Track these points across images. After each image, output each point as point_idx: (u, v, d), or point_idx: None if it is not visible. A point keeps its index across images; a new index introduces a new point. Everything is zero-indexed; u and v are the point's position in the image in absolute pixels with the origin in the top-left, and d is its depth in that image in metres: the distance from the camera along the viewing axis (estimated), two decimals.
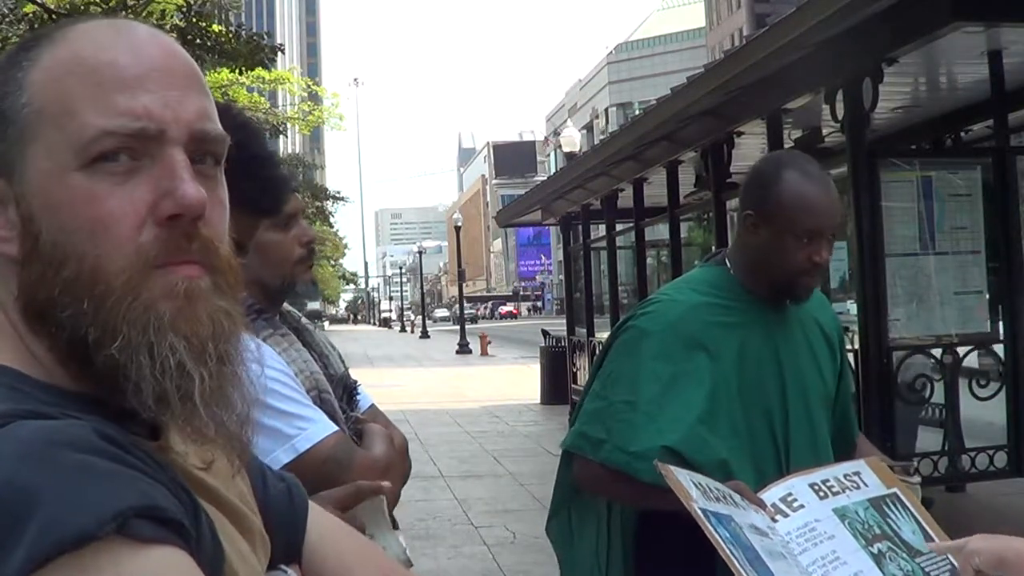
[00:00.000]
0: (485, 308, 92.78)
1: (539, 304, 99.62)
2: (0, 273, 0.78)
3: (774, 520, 1.88)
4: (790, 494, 1.93)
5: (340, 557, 0.99)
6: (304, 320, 2.04)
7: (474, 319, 74.53)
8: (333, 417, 1.80)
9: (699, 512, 1.74)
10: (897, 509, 1.98)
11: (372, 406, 2.04)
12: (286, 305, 2.00)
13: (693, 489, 1.80)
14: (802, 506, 1.91)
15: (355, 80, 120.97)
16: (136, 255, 0.74)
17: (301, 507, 0.99)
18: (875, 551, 1.87)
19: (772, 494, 1.93)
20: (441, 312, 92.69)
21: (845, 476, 2.00)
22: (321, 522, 1.00)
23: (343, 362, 2.07)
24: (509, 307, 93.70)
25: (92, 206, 0.74)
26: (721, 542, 1.70)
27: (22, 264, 0.76)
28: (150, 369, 0.73)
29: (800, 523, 1.88)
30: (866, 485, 2.00)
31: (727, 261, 2.20)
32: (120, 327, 0.73)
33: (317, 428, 1.68)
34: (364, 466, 1.75)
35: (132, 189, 0.75)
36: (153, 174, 0.76)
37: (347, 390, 2.01)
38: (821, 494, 1.94)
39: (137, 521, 0.64)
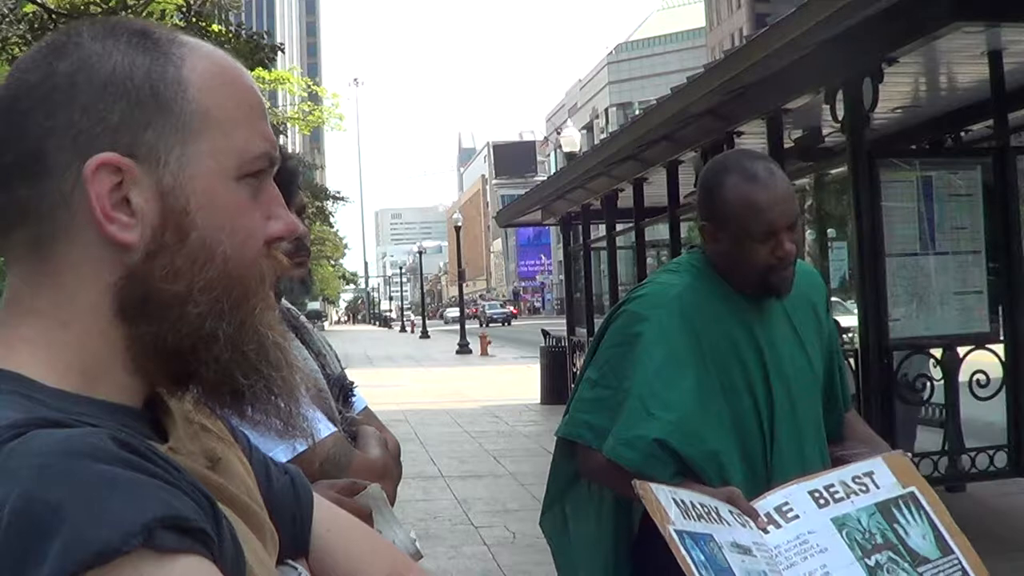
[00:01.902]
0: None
1: (536, 305, 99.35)
2: (86, 258, 0.75)
3: (765, 531, 1.84)
4: (786, 503, 1.89)
5: (348, 550, 0.98)
6: (303, 319, 2.04)
7: (507, 319, 66.45)
8: (329, 417, 1.80)
9: (673, 535, 1.70)
10: (910, 511, 1.91)
11: (366, 408, 2.04)
12: (286, 303, 1.99)
13: (672, 508, 1.76)
14: (797, 516, 1.87)
15: (355, 80, 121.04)
16: (260, 269, 0.81)
17: (306, 500, 0.98)
18: (872, 563, 1.81)
19: (768, 502, 1.89)
20: (454, 312, 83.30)
21: (854, 479, 1.94)
22: (327, 515, 0.99)
23: (339, 362, 2.07)
24: (509, 307, 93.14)
25: (245, 215, 0.80)
26: (692, 566, 1.66)
27: (147, 253, 0.75)
28: (266, 369, 0.80)
29: (792, 535, 1.84)
30: (877, 487, 1.94)
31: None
32: (255, 329, 0.79)
33: (316, 428, 1.67)
34: (361, 468, 1.75)
35: (258, 208, 0.81)
36: (263, 198, 0.82)
37: (343, 391, 2.00)
38: (821, 502, 1.89)
39: (162, 532, 0.63)
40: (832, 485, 1.93)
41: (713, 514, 1.81)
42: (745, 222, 2.04)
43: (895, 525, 1.89)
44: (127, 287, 0.75)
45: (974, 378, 5.84)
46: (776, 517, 1.87)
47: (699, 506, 1.81)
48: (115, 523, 0.61)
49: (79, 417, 0.69)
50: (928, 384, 5.78)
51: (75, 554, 0.60)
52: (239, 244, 0.79)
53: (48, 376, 0.73)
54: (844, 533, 1.85)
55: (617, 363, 2.10)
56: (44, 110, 0.75)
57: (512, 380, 18.70)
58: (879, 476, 1.96)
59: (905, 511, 1.92)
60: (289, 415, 0.83)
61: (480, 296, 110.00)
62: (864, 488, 1.93)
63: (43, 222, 0.75)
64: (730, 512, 1.85)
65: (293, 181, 1.77)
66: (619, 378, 2.07)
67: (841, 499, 1.90)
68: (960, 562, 1.87)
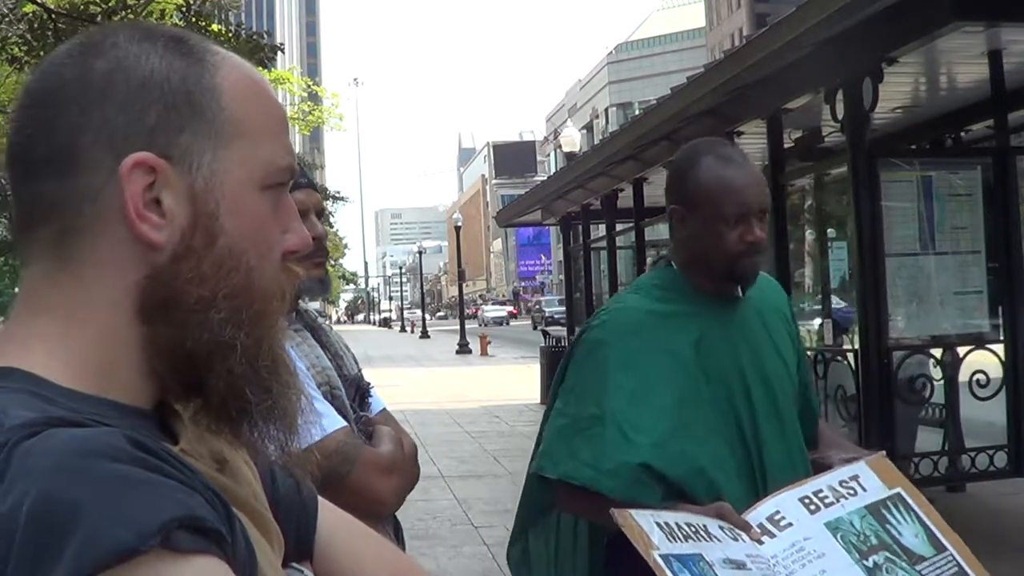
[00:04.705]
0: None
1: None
2: (110, 256, 0.75)
3: (760, 542, 1.81)
4: (778, 512, 1.86)
5: (352, 553, 0.98)
6: (320, 320, 2.05)
7: (506, 320, 65.93)
8: (342, 414, 1.81)
9: (659, 560, 1.66)
10: (899, 512, 1.90)
11: (384, 410, 2.05)
12: (302, 303, 2.00)
13: (655, 532, 1.72)
14: (790, 524, 1.84)
15: (355, 80, 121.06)
16: (278, 283, 0.80)
17: (311, 503, 0.98)
18: (870, 564, 1.80)
19: (759, 513, 1.86)
20: (494, 312, 71.94)
21: (841, 483, 1.92)
22: (331, 518, 0.99)
23: (357, 364, 2.08)
24: (509, 308, 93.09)
25: (268, 226, 0.80)
26: None
27: (173, 255, 0.75)
28: (276, 388, 0.79)
29: (788, 543, 1.81)
30: (864, 490, 1.92)
31: (672, 263, 2.16)
32: (271, 346, 0.79)
33: (325, 422, 1.70)
34: (369, 462, 1.77)
35: (277, 220, 0.81)
36: (281, 210, 0.82)
37: (360, 391, 2.01)
38: (812, 508, 1.87)
39: (178, 532, 0.63)
40: (821, 491, 1.90)
41: (701, 532, 1.78)
42: (718, 203, 2.01)
43: (887, 526, 1.87)
44: (150, 287, 0.75)
45: (974, 378, 5.85)
46: (769, 527, 1.84)
47: (684, 526, 1.77)
48: (132, 523, 0.62)
49: (92, 417, 0.69)
50: (928, 384, 5.78)
51: (92, 554, 0.60)
52: (262, 254, 0.79)
53: (62, 375, 0.73)
54: (839, 537, 1.83)
55: (583, 391, 2.04)
56: (79, 106, 0.75)
57: (512, 380, 18.69)
58: (864, 479, 1.95)
59: (895, 511, 1.90)
60: (285, 444, 0.82)
61: (479, 296, 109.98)
62: (852, 492, 1.91)
63: (69, 218, 0.75)
64: (720, 528, 1.81)
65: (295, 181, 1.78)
66: (588, 406, 2.01)
67: (831, 504, 1.88)
68: (955, 558, 1.86)
